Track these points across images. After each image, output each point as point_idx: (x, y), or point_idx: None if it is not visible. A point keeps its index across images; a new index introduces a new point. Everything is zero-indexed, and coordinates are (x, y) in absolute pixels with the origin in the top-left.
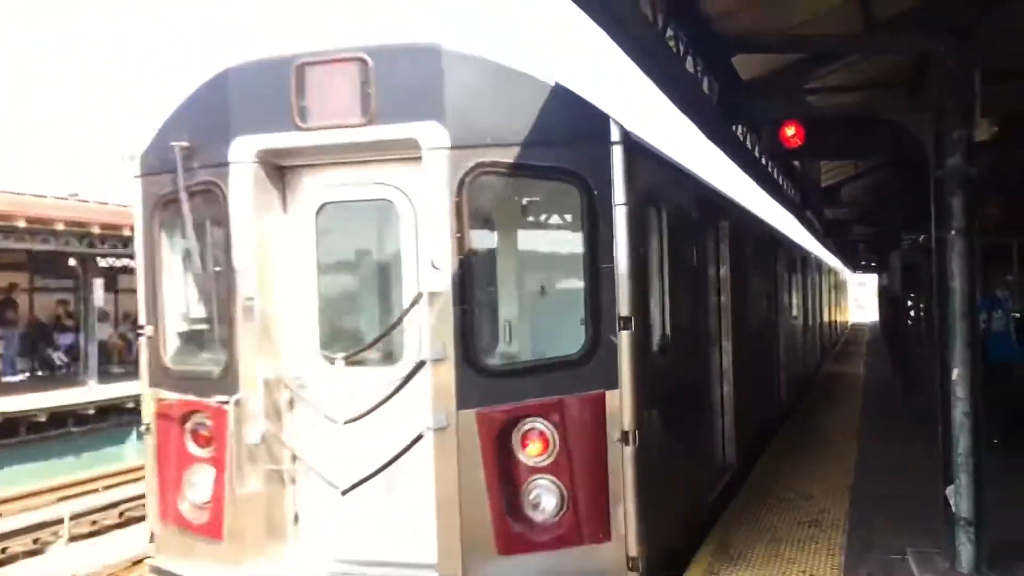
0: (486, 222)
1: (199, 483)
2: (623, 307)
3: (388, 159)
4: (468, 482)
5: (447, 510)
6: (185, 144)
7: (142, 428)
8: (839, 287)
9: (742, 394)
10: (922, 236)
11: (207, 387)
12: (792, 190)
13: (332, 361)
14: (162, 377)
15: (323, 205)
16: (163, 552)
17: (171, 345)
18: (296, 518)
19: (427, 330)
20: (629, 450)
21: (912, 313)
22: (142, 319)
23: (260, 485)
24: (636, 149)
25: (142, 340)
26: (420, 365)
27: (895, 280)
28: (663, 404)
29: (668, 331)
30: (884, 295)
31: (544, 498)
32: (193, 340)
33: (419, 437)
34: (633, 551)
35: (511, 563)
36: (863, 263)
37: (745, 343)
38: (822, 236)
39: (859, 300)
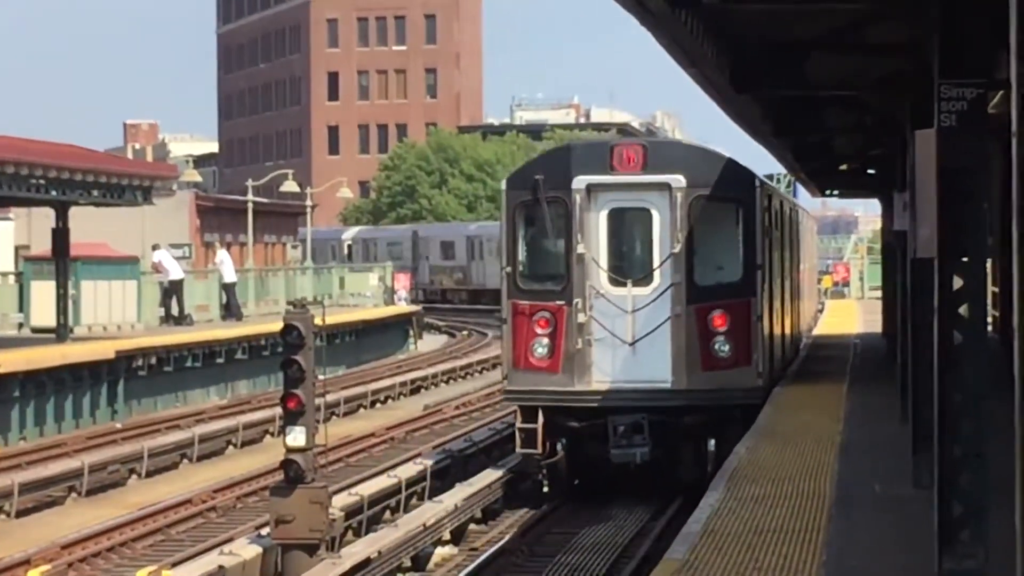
0: (697, 220)
1: (541, 346)
2: (759, 257)
3: (647, 189)
4: (689, 338)
5: (678, 352)
6: (541, 176)
7: (502, 318)
8: (792, 240)
9: (793, 306)
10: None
11: (551, 296)
12: None
13: (616, 283)
14: (516, 292)
15: (612, 209)
16: (513, 384)
17: (520, 277)
18: (594, 360)
19: (671, 269)
20: (758, 325)
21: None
22: (504, 264)
23: (579, 345)
24: (762, 186)
25: (504, 274)
26: (672, 285)
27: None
28: (771, 305)
29: (771, 271)
30: (891, 257)
31: (721, 345)
32: (535, 274)
33: (669, 318)
34: (760, 369)
35: (707, 375)
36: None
37: (789, 281)
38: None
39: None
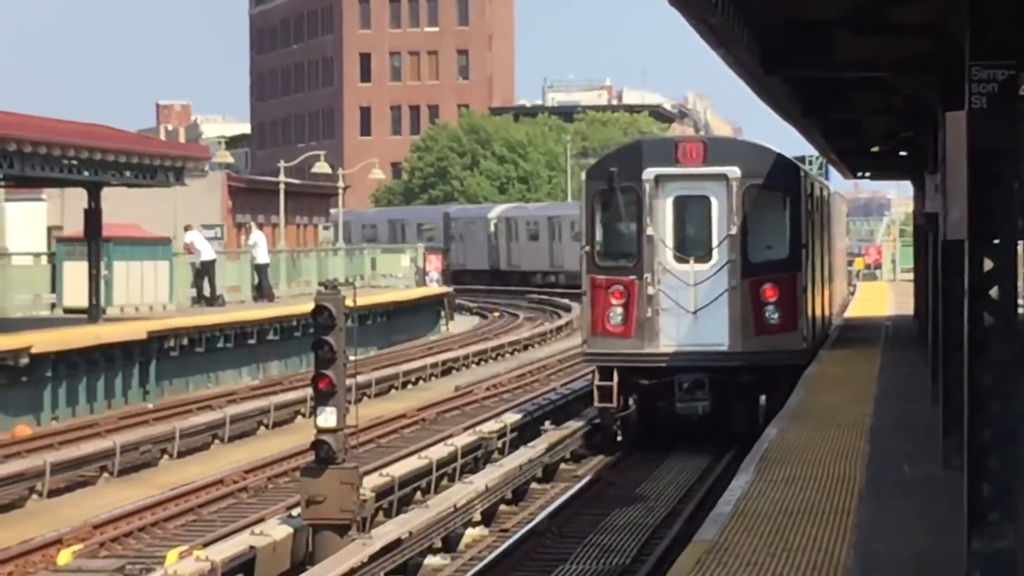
0: (750, 206)
1: (616, 314)
2: (803, 238)
3: (707, 180)
4: (743, 307)
5: (734, 319)
6: (615, 169)
7: (582, 291)
8: (826, 222)
9: (829, 281)
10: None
11: (624, 271)
12: None
13: (680, 260)
14: (594, 268)
15: (676, 196)
16: (592, 347)
17: (597, 255)
18: (662, 326)
19: (728, 248)
20: (803, 296)
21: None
22: (584, 244)
23: (648, 313)
24: (805, 176)
25: (583, 252)
26: (731, 263)
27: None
28: (813, 279)
29: (812, 250)
30: (923, 239)
31: (771, 313)
32: (609, 252)
33: (726, 290)
34: (804, 334)
35: (759, 339)
36: (868, 157)
37: (828, 258)
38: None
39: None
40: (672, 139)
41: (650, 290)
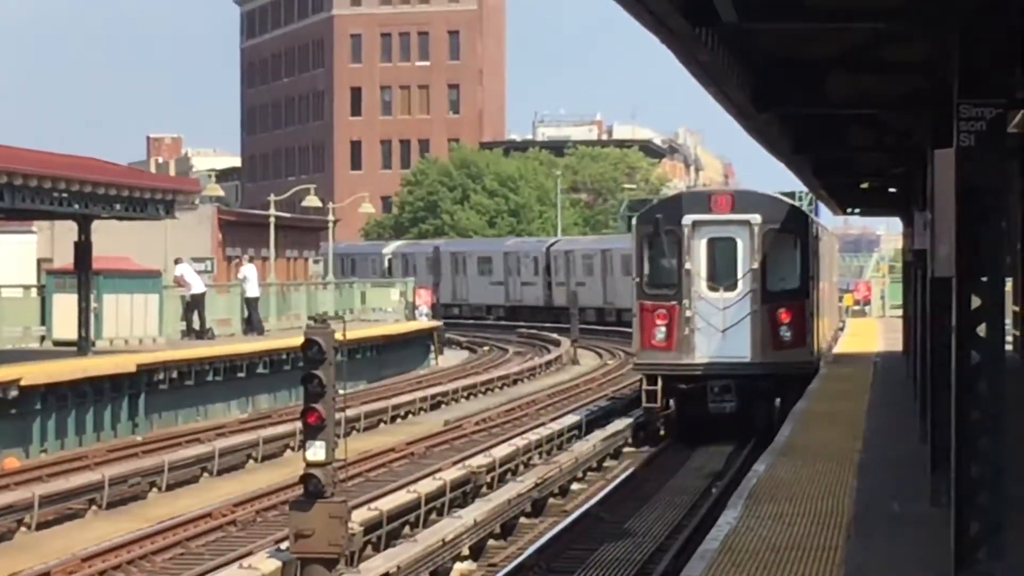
0: (769, 246)
1: (660, 332)
2: (811, 272)
3: (734, 225)
4: (762, 327)
5: (755, 337)
6: (660, 215)
7: (633, 315)
8: (825, 259)
9: (826, 312)
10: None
11: (667, 297)
12: None
13: (712, 289)
14: (642, 295)
15: (710, 238)
16: (640, 359)
17: (645, 285)
18: (697, 342)
19: (751, 280)
20: (811, 318)
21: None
22: (634, 275)
23: (686, 331)
24: (813, 222)
25: (634, 282)
26: (753, 291)
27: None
28: (818, 307)
29: (817, 281)
30: (912, 275)
31: (785, 332)
32: (654, 282)
33: (749, 313)
34: (812, 349)
35: (775, 353)
36: (856, 194)
37: (823, 289)
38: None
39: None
40: (706, 191)
41: (688, 313)
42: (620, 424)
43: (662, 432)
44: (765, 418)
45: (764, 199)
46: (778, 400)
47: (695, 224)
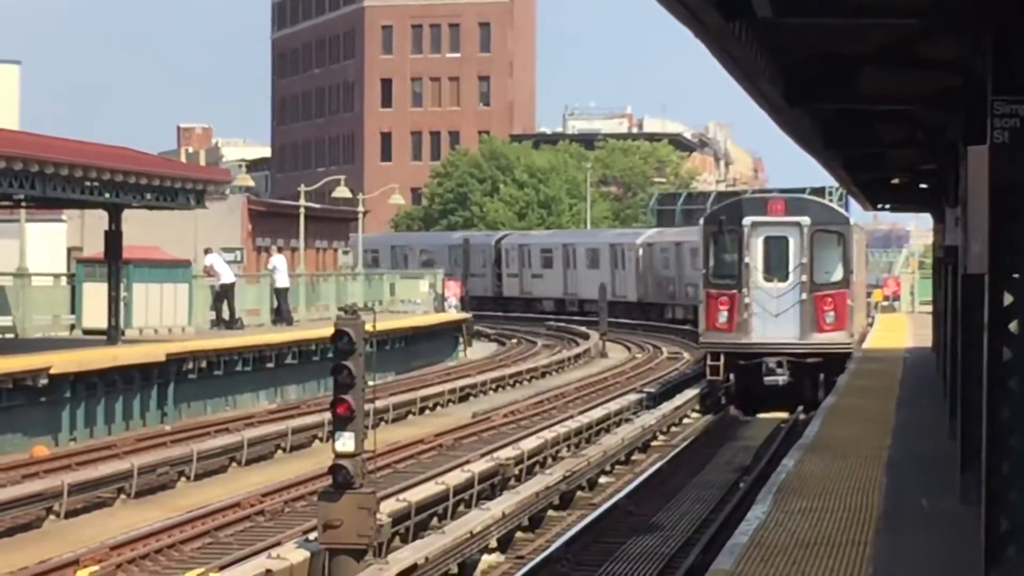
0: (816, 244)
1: (723, 316)
2: (851, 267)
3: (786, 225)
4: (810, 312)
5: (803, 321)
6: (724, 217)
7: (699, 300)
8: (859, 255)
9: (859, 305)
10: None
11: (729, 287)
12: None
13: (767, 280)
14: (708, 284)
15: (766, 236)
16: (705, 339)
17: (711, 275)
18: (754, 325)
19: (800, 272)
20: (850, 304)
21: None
22: (702, 268)
23: (745, 316)
24: (853, 224)
25: (701, 274)
26: (802, 282)
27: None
28: (856, 294)
29: (856, 274)
30: (942, 272)
31: (828, 317)
32: (718, 273)
33: (798, 301)
34: (851, 332)
35: (820, 335)
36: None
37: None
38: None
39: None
40: (764, 197)
41: (746, 300)
42: (649, 418)
43: (723, 401)
44: (811, 390)
45: (813, 204)
46: (822, 375)
47: (753, 224)
